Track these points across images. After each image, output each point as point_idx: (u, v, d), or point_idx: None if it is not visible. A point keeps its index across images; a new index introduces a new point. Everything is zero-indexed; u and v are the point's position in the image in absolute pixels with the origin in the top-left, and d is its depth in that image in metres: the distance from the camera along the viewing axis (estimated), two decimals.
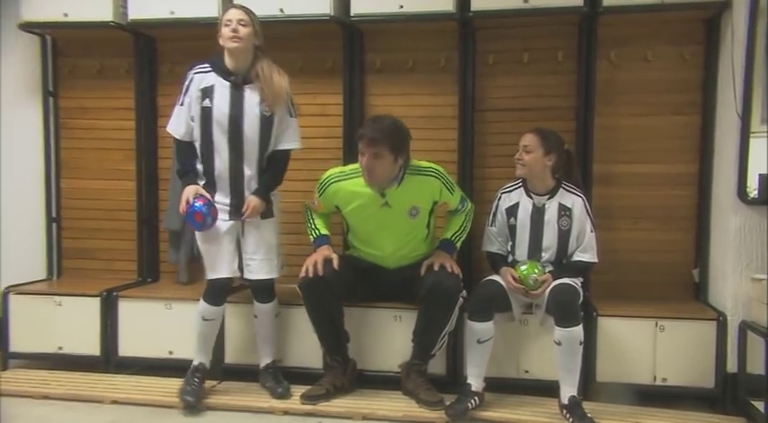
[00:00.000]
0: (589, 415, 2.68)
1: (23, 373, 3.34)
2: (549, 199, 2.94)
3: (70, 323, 3.37)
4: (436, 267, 2.90)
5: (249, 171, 2.89)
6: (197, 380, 2.96)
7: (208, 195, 2.86)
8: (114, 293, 3.38)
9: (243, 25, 2.82)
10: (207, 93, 2.84)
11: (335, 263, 2.89)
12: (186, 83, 2.90)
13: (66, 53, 3.82)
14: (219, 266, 2.92)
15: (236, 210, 2.90)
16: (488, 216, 3.07)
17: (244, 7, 2.91)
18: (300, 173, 3.26)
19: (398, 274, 3.05)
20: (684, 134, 3.34)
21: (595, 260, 2.95)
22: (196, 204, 2.81)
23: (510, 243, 3.01)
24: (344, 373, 3.01)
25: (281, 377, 3.05)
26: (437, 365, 3.05)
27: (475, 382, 2.82)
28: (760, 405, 2.70)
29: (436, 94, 3.51)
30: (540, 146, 2.89)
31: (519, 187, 3.01)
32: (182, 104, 2.90)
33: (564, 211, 2.92)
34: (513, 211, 2.98)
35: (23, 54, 3.81)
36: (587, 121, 3.29)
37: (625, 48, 3.35)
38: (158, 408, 2.96)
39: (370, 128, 2.82)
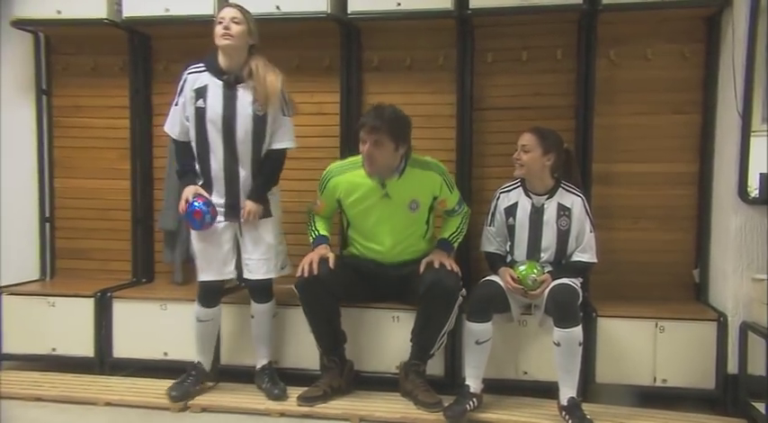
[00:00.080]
0: (588, 417, 2.66)
1: (16, 374, 3.30)
2: (548, 199, 2.92)
3: (64, 324, 3.33)
4: (436, 265, 2.89)
5: (244, 171, 2.87)
6: (190, 378, 2.97)
7: (207, 195, 2.85)
8: (108, 294, 3.35)
9: (236, 23, 2.79)
10: (200, 93, 2.83)
11: (332, 262, 2.87)
12: (181, 83, 2.89)
13: (59, 51, 3.78)
14: (210, 269, 2.92)
15: (231, 210, 2.88)
16: (487, 216, 3.06)
17: (238, 5, 2.89)
18: (297, 172, 3.26)
19: (397, 272, 3.03)
20: (685, 133, 3.32)
21: (595, 260, 2.93)
22: (195, 203, 2.80)
23: (509, 243, 2.99)
24: (342, 375, 2.99)
25: (277, 378, 3.03)
26: (435, 366, 3.03)
27: (473, 383, 2.80)
28: (761, 406, 2.68)
29: (434, 92, 3.49)
30: (538, 145, 2.87)
31: (518, 187, 2.99)
32: (176, 105, 2.90)
33: (563, 211, 2.90)
34: (511, 210, 2.96)
35: (16, 52, 3.76)
36: (587, 120, 3.27)
37: (625, 46, 3.33)
38: (153, 409, 2.93)
39: (372, 116, 2.84)
